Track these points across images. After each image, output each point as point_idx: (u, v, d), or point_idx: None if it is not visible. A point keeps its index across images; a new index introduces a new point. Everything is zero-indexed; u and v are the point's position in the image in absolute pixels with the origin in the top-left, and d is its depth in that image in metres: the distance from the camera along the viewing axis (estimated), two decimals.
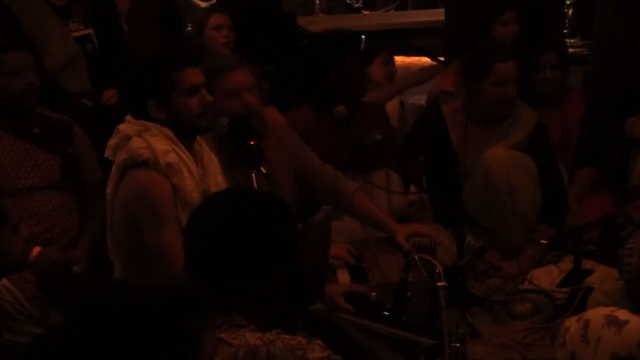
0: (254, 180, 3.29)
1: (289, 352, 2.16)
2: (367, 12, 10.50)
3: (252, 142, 3.43)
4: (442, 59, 6.51)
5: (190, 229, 2.30)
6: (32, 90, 3.92)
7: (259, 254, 2.23)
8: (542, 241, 4.00)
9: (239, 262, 2.22)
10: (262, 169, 3.34)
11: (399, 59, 9.85)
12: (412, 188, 4.45)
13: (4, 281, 3.61)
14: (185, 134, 3.27)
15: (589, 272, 3.80)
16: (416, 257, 3.35)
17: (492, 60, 4.25)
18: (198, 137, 3.35)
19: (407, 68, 9.74)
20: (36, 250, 3.73)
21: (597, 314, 2.43)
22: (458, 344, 2.90)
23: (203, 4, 6.54)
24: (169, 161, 3.16)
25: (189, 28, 5.95)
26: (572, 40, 6.27)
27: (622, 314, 2.40)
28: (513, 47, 4.85)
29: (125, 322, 1.70)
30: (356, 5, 10.58)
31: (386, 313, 3.35)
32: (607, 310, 2.43)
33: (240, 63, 3.67)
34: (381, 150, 4.19)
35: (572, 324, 2.51)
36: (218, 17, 5.13)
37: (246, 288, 2.22)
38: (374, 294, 3.45)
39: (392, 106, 5.36)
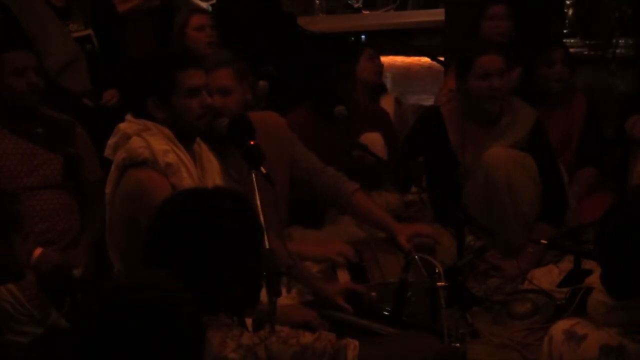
0: (254, 180, 3.29)
1: (283, 344, 2.21)
2: (367, 12, 10.50)
3: (252, 142, 3.42)
4: (442, 59, 6.52)
5: (152, 230, 2.31)
6: (33, 91, 3.93)
7: (221, 251, 2.25)
8: (542, 241, 4.00)
9: (203, 261, 2.24)
10: (262, 169, 3.33)
11: (398, 59, 9.87)
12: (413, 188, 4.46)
13: None
14: (185, 135, 3.27)
15: (589, 272, 3.81)
16: (416, 257, 3.35)
17: (474, 54, 4.27)
18: (198, 138, 3.35)
19: (407, 68, 9.75)
20: (38, 251, 3.72)
21: (558, 328, 2.42)
22: (458, 344, 2.90)
23: (203, 4, 6.53)
24: (168, 161, 3.16)
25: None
26: (572, 40, 6.27)
27: (581, 328, 2.38)
28: (503, 43, 4.87)
29: (136, 320, 1.73)
30: (356, 5, 10.58)
31: (386, 313, 3.35)
32: (567, 324, 2.42)
33: (218, 64, 3.63)
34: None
35: (546, 337, 2.50)
36: (199, 18, 5.11)
37: (219, 285, 2.25)
38: (374, 294, 3.45)
39: (388, 105, 5.36)
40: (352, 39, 7.62)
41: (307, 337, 2.25)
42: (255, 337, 2.20)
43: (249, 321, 2.80)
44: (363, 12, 10.54)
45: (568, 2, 6.32)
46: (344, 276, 3.68)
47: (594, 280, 3.75)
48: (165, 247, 2.27)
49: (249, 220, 2.34)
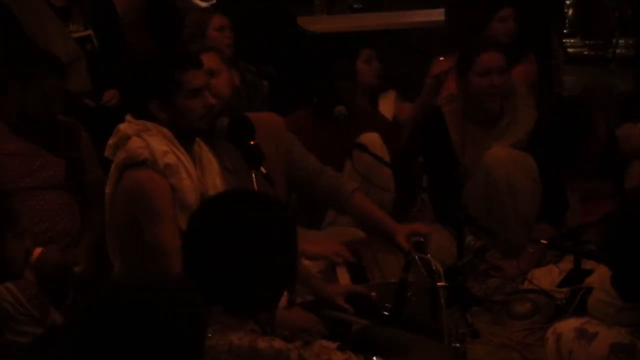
0: (254, 180, 3.29)
1: (316, 358, 2.22)
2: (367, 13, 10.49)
3: (252, 142, 3.42)
4: (442, 59, 6.50)
5: (191, 233, 2.31)
6: (52, 110, 3.92)
7: (259, 257, 2.26)
8: (542, 241, 4.00)
9: (240, 266, 2.24)
10: (262, 169, 3.33)
11: None
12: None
13: None
14: (186, 135, 3.27)
15: (589, 272, 3.81)
16: (416, 257, 3.35)
17: (475, 51, 4.27)
18: (198, 139, 3.35)
19: None
20: (38, 250, 3.72)
21: (568, 326, 2.43)
22: (458, 344, 2.90)
23: (203, 4, 6.53)
24: (167, 162, 3.16)
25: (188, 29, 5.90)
26: (572, 40, 6.27)
27: (592, 326, 2.39)
28: (509, 44, 4.87)
29: (135, 319, 1.73)
30: (356, 6, 10.57)
31: (386, 313, 3.35)
32: (577, 322, 2.42)
33: (202, 49, 3.63)
34: None
35: (549, 336, 2.51)
36: (220, 19, 5.12)
37: (251, 291, 2.25)
38: (374, 294, 3.45)
39: (388, 103, 5.35)
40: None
41: (338, 356, 2.25)
42: (289, 344, 2.21)
43: None
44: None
45: (568, 2, 6.33)
46: (344, 276, 3.68)
47: (594, 280, 3.76)
48: (200, 251, 2.27)
49: (287, 226, 2.34)
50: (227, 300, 2.23)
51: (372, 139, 4.18)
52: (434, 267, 3.08)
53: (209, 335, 2.14)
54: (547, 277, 4.00)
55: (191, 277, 2.26)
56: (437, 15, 7.42)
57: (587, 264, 3.86)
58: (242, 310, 2.24)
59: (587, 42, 6.25)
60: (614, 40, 6.10)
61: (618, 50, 6.10)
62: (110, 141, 3.30)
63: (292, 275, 2.39)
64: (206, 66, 3.52)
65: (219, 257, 2.24)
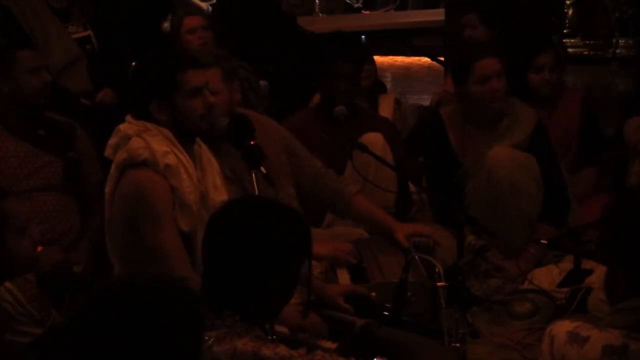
0: (254, 180, 3.29)
1: None
2: (367, 12, 10.50)
3: (252, 142, 3.42)
4: (442, 59, 6.51)
5: (210, 240, 2.33)
6: (47, 89, 3.93)
7: (281, 268, 2.29)
8: (542, 241, 4.00)
9: (262, 277, 2.27)
10: (262, 169, 3.33)
11: (398, 59, 9.85)
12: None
13: None
14: (186, 136, 3.27)
15: (589, 272, 3.81)
16: (416, 257, 3.35)
17: (471, 59, 4.26)
18: (198, 139, 3.35)
19: (407, 68, 9.74)
20: (39, 249, 3.72)
21: (561, 329, 2.43)
22: (458, 344, 2.90)
23: (203, 5, 6.54)
24: (167, 162, 3.16)
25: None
26: (572, 40, 6.27)
27: (585, 330, 2.40)
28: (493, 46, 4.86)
29: (134, 320, 1.73)
30: (356, 6, 10.58)
31: (386, 313, 3.35)
32: (570, 325, 2.42)
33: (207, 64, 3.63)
34: None
35: (545, 337, 2.51)
36: (191, 20, 5.05)
37: (262, 299, 2.27)
38: (374, 294, 3.45)
39: (387, 105, 5.35)
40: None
41: None
42: (293, 352, 2.22)
43: None
44: (363, 12, 10.54)
45: (568, 2, 6.32)
46: (344, 276, 3.68)
47: (594, 280, 3.76)
48: (220, 259, 2.29)
49: (305, 235, 2.37)
50: (241, 307, 2.24)
51: (374, 139, 4.18)
52: (436, 269, 3.08)
53: (215, 339, 2.14)
54: (547, 277, 4.00)
55: (206, 281, 2.27)
56: (437, 15, 7.43)
57: (587, 264, 3.86)
58: (252, 317, 2.25)
59: (587, 42, 6.25)
60: (614, 40, 6.10)
61: (618, 50, 6.10)
62: (111, 141, 3.30)
63: (307, 281, 2.41)
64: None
65: (242, 267, 2.26)
